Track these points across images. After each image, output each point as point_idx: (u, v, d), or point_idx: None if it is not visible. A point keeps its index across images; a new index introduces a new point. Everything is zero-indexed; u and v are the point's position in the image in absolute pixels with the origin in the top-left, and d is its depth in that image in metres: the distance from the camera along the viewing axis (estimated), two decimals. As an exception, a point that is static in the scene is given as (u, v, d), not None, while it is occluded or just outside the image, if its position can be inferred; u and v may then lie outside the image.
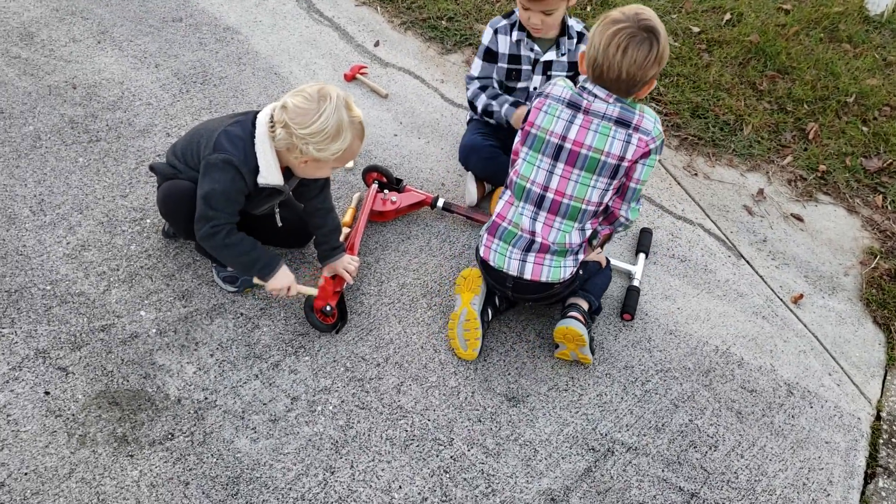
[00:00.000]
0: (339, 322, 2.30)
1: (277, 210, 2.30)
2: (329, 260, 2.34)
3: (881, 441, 2.28)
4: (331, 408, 2.13)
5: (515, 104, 2.59)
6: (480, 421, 2.15)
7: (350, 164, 2.81)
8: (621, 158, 2.03)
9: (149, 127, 2.89)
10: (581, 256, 2.24)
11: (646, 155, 2.05)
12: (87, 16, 3.41)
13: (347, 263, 2.35)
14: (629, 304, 2.49)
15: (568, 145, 2.05)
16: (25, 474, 1.89)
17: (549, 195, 2.12)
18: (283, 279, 2.15)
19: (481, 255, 2.24)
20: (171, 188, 2.20)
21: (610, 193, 2.12)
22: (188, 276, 2.41)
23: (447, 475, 2.02)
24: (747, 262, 2.75)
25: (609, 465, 2.09)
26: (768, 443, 2.21)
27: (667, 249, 2.74)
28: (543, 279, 2.18)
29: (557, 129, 2.06)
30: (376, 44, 3.53)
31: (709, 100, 3.34)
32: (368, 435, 2.08)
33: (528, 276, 2.17)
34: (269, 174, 2.02)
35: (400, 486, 1.98)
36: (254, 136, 2.00)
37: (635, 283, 2.57)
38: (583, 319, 2.21)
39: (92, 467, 1.92)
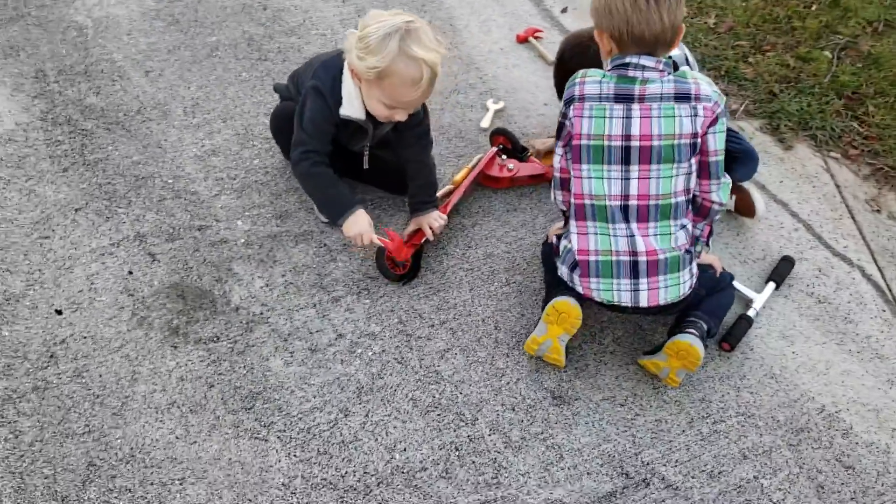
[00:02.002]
0: (407, 275, 2.24)
1: (366, 152, 2.27)
2: (417, 213, 2.29)
3: None
4: (370, 354, 2.09)
5: None
6: (514, 410, 2.01)
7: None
8: (694, 135, 1.80)
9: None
10: (695, 265, 1.99)
11: (713, 122, 1.81)
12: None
13: (433, 220, 2.28)
14: (734, 333, 2.19)
15: (635, 143, 1.82)
16: (84, 338, 2.06)
17: (633, 203, 1.88)
18: (355, 226, 2.13)
19: (581, 292, 2.00)
20: (278, 110, 2.27)
21: (693, 177, 1.87)
22: (292, 199, 2.48)
23: (457, 453, 1.92)
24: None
25: (638, 497, 1.87)
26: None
27: (806, 286, 2.37)
28: (663, 302, 1.96)
29: (616, 131, 1.82)
30: (564, 10, 3.37)
31: (929, 128, 2.82)
32: (395, 390, 2.02)
33: (644, 303, 1.95)
34: (350, 106, 2.01)
35: (405, 448, 1.91)
36: (342, 68, 1.99)
37: (751, 312, 2.25)
38: (701, 339, 1.97)
39: (138, 348, 2.05)
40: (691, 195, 1.93)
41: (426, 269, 2.31)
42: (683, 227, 1.93)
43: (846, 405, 2.09)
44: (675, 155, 1.82)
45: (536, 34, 3.20)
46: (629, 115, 1.82)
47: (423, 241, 2.28)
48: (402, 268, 2.24)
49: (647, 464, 1.93)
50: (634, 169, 1.85)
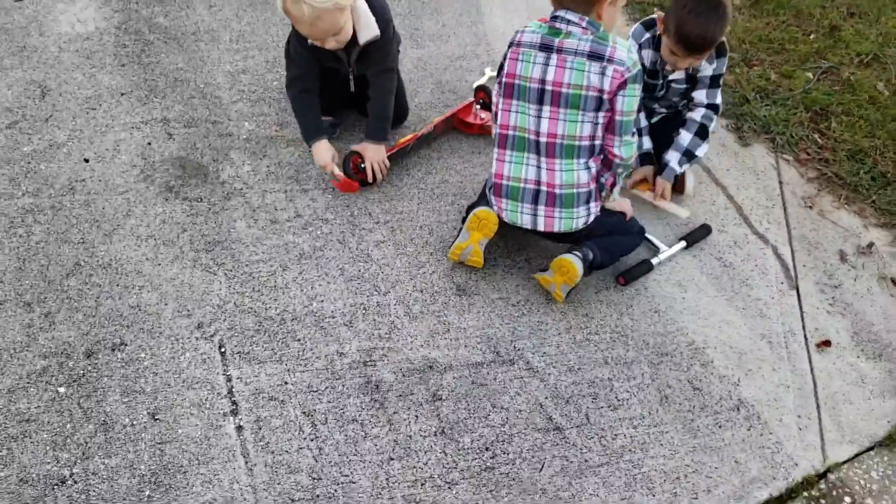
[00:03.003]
0: (365, 182, 2.66)
1: (351, 77, 2.70)
2: (365, 140, 2.65)
3: (804, 495, 2.06)
4: (318, 232, 2.53)
5: (642, 158, 2.77)
6: (421, 291, 2.39)
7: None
8: (600, 91, 2.11)
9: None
10: (594, 205, 2.33)
11: (622, 85, 2.09)
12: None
13: (375, 162, 2.63)
14: (631, 272, 2.51)
15: (549, 87, 2.15)
16: (99, 181, 2.59)
17: (543, 139, 2.22)
18: (317, 155, 2.58)
19: (495, 211, 2.36)
20: (288, 37, 2.73)
21: (600, 127, 2.19)
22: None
23: (364, 311, 2.31)
24: (798, 295, 2.56)
25: (501, 371, 2.21)
26: (672, 432, 2.13)
27: (717, 251, 2.66)
28: (556, 230, 2.32)
29: (536, 74, 2.16)
30: None
31: (878, 147, 3.05)
32: (329, 261, 2.44)
33: (541, 228, 2.32)
34: None
35: (322, 301, 2.32)
36: None
37: (654, 260, 2.56)
38: (583, 261, 2.31)
39: (138, 195, 2.56)
40: (596, 143, 2.24)
41: (386, 182, 2.72)
42: (587, 168, 2.26)
43: (714, 345, 2.37)
44: (581, 103, 2.16)
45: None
46: (547, 63, 2.17)
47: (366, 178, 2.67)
48: (362, 172, 2.66)
49: (518, 350, 2.27)
50: (546, 109, 2.21)
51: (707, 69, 2.57)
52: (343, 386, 2.10)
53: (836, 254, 2.70)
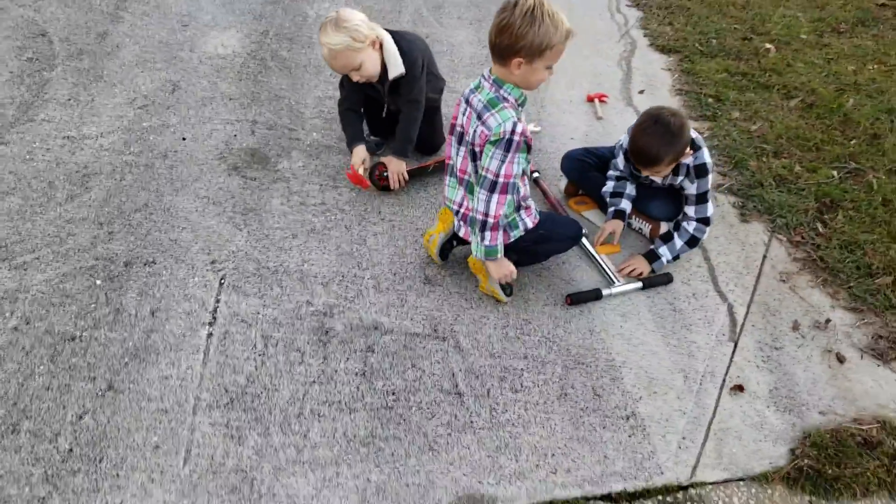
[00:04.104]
0: (384, 188, 3.23)
1: (385, 105, 3.32)
2: (389, 153, 3.22)
3: (658, 498, 2.29)
4: (332, 217, 3.10)
5: (617, 213, 3.10)
6: (394, 275, 2.88)
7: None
8: (474, 144, 2.51)
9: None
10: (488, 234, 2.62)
11: (483, 144, 2.46)
12: None
13: (395, 173, 3.19)
14: (580, 295, 2.85)
15: (459, 130, 2.59)
16: (188, 154, 3.35)
17: (458, 172, 2.67)
18: (354, 157, 3.18)
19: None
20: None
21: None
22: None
23: (340, 278, 2.84)
24: (735, 347, 2.77)
25: (431, 343, 2.63)
26: (558, 421, 2.42)
27: (673, 298, 2.94)
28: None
29: (460, 120, 2.59)
30: (641, 91, 4.18)
31: (873, 241, 3.19)
32: (331, 238, 3.00)
33: (462, 235, 2.78)
34: None
35: (312, 265, 2.88)
36: None
37: (605, 291, 2.89)
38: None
39: (210, 168, 3.28)
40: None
41: (403, 191, 3.28)
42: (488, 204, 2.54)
43: (631, 367, 2.65)
44: (471, 149, 2.57)
45: (602, 98, 4.05)
46: (465, 112, 2.59)
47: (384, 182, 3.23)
48: (384, 179, 3.24)
49: (454, 332, 2.68)
50: (462, 150, 2.63)
51: (691, 188, 2.91)
52: (301, 325, 2.63)
53: (791, 323, 2.87)
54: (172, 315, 2.60)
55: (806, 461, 2.39)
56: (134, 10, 4.42)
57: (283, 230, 3.00)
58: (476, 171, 2.55)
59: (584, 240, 3.05)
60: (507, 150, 2.42)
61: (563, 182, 3.38)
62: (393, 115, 3.29)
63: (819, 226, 3.27)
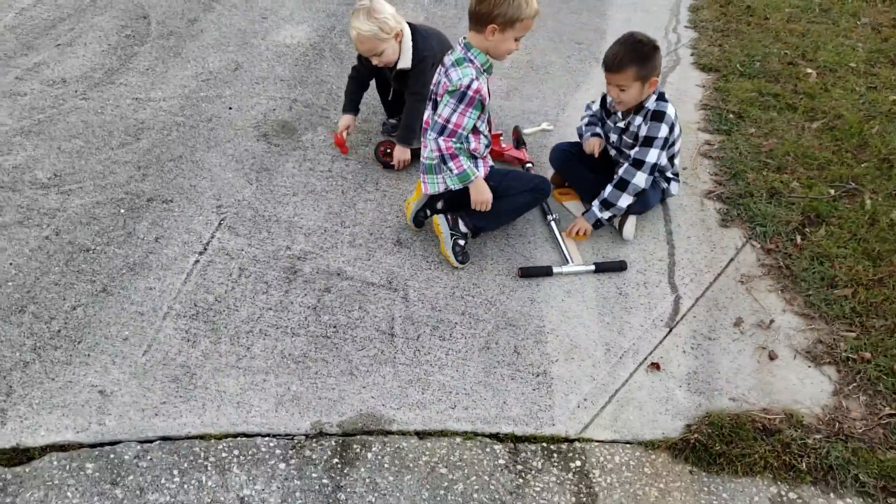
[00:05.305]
0: (389, 165, 3.62)
1: (391, 88, 3.70)
2: (393, 137, 3.62)
3: (542, 445, 2.52)
4: (332, 183, 3.51)
5: (594, 135, 3.36)
6: (371, 234, 3.25)
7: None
8: (436, 94, 2.87)
9: None
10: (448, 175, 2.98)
11: (443, 94, 2.81)
12: None
13: (398, 158, 3.55)
14: (531, 269, 3.09)
15: (433, 89, 2.95)
16: (227, 122, 3.88)
17: (425, 125, 3.02)
18: (341, 122, 3.58)
19: None
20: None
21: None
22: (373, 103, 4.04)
23: (322, 231, 3.24)
24: (668, 332, 2.93)
25: (382, 292, 2.96)
26: (472, 367, 2.69)
27: (622, 283, 3.12)
28: (429, 192, 3.07)
29: (435, 79, 2.96)
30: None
31: (845, 255, 3.22)
32: (326, 200, 3.41)
33: (423, 190, 3.11)
34: None
35: (301, 218, 3.29)
36: None
37: (556, 269, 3.13)
38: (450, 222, 3.04)
39: (243, 133, 3.79)
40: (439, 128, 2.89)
41: (405, 170, 3.64)
42: (437, 139, 2.89)
43: (558, 335, 2.86)
44: (433, 98, 2.93)
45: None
46: (438, 72, 2.95)
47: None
48: (388, 157, 3.62)
49: (406, 285, 3.00)
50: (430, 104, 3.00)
51: (643, 129, 3.12)
52: (275, 264, 3.04)
53: (734, 319, 2.99)
54: (172, 242, 3.08)
55: (696, 436, 2.52)
56: (225, 3, 5.06)
57: (286, 188, 3.44)
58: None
59: (553, 224, 3.27)
60: (461, 101, 2.79)
61: (552, 173, 3.62)
62: (399, 97, 3.67)
63: (798, 237, 3.33)
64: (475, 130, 2.89)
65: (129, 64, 4.27)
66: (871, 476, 2.42)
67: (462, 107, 2.78)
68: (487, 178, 3.00)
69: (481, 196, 2.96)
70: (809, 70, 4.54)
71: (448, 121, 2.81)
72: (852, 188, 3.58)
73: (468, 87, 2.76)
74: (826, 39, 4.98)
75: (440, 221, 3.01)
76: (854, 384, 2.72)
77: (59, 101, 3.90)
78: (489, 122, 3.10)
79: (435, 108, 2.90)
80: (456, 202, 3.07)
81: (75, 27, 4.61)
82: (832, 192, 3.56)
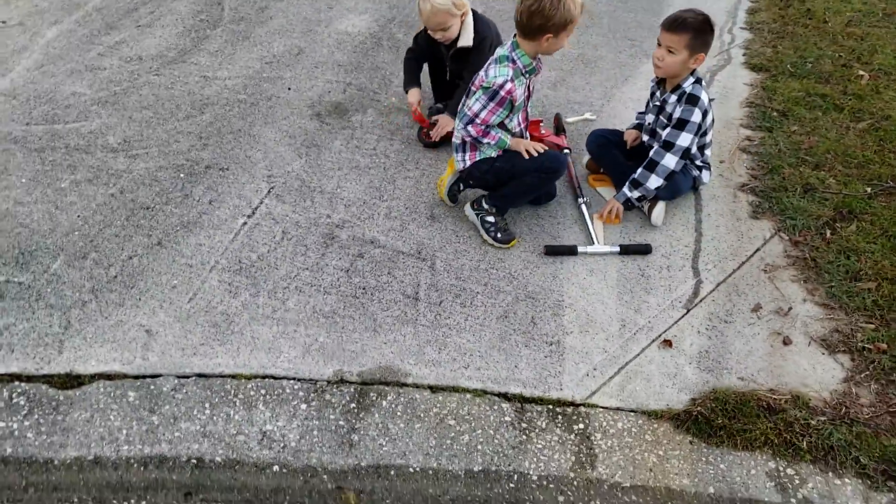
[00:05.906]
0: (431, 144, 3.81)
1: (448, 69, 3.89)
2: (442, 111, 3.80)
3: (548, 407, 2.66)
4: (375, 161, 3.72)
5: (635, 126, 3.56)
6: (407, 208, 3.44)
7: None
8: (474, 84, 3.02)
9: None
10: (469, 155, 3.19)
11: (478, 88, 2.96)
12: None
13: (443, 127, 3.72)
14: (556, 247, 3.23)
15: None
16: (285, 101, 4.15)
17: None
18: (410, 97, 3.77)
19: None
20: (417, 32, 4.01)
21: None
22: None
23: (361, 203, 3.44)
24: (686, 313, 3.03)
25: (411, 260, 3.15)
26: (488, 332, 2.84)
27: (645, 265, 3.23)
28: (459, 168, 3.26)
29: None
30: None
31: (872, 251, 3.24)
32: (368, 175, 3.62)
33: (455, 167, 3.29)
34: None
35: (343, 191, 3.52)
36: None
37: (581, 248, 3.25)
38: (475, 206, 3.24)
39: (298, 112, 4.04)
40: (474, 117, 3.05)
41: (445, 150, 3.82)
42: (465, 128, 3.06)
43: (576, 309, 3.00)
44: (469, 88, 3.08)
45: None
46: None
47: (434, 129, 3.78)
48: (428, 137, 3.82)
49: (434, 255, 3.18)
50: None
51: (676, 111, 3.21)
52: (315, 230, 3.26)
53: (753, 305, 3.06)
54: (224, 206, 3.34)
55: (700, 409, 2.61)
56: (294, -7, 5.34)
57: (332, 163, 3.66)
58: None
59: (583, 206, 3.40)
60: (491, 99, 2.93)
61: (587, 159, 3.74)
62: (453, 80, 3.85)
63: (828, 232, 3.36)
64: (501, 125, 3.04)
65: (200, 45, 4.58)
66: (872, 459, 2.46)
67: (492, 105, 2.95)
68: (497, 160, 3.14)
69: (520, 146, 3.14)
70: (862, 72, 4.51)
71: (477, 115, 2.98)
72: (889, 187, 3.58)
73: (501, 86, 2.92)
74: (885, 43, 4.93)
75: (468, 212, 3.18)
76: (867, 373, 2.75)
77: (134, 76, 4.22)
78: (526, 117, 3.24)
79: (468, 96, 3.04)
80: (482, 184, 3.24)
81: (155, 10, 4.96)
82: (868, 189, 3.57)
